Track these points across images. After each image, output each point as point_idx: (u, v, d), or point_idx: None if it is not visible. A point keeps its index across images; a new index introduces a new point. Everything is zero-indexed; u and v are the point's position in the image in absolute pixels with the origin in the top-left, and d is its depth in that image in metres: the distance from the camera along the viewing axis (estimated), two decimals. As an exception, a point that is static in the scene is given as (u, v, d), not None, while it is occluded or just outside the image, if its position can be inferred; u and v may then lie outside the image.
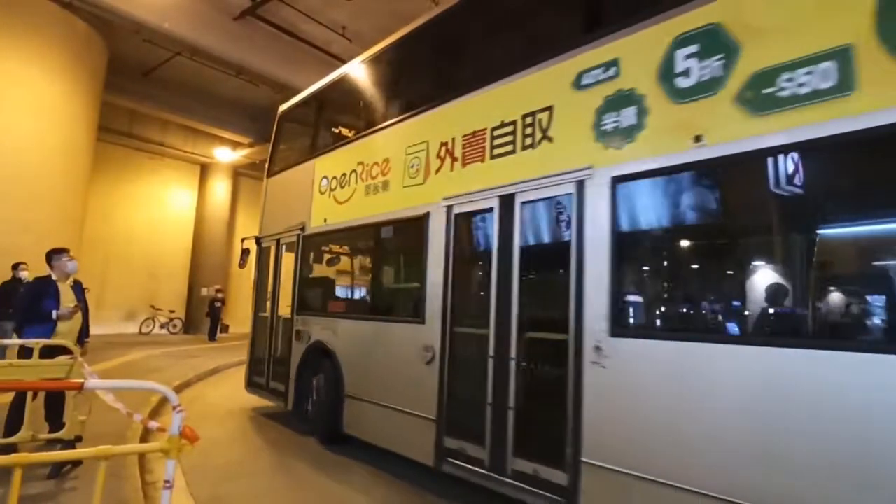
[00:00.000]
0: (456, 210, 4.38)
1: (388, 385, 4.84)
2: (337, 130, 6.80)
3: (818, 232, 2.68)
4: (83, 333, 4.68)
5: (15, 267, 8.00)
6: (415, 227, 4.75)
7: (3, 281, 8.16)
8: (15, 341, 4.39)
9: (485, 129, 4.24)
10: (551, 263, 3.70)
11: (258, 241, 7.57)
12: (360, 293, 6.17)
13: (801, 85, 2.54)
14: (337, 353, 5.57)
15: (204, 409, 7.27)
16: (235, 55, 12.56)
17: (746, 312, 2.92)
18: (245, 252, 7.74)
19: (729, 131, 2.78)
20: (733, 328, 2.96)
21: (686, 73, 3.02)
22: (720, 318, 3.07)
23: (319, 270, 6.56)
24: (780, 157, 2.62)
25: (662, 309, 3.38)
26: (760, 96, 2.68)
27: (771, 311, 2.81)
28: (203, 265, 19.50)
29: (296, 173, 6.93)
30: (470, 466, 3.91)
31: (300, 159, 6.95)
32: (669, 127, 3.07)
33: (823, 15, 2.54)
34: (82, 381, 2.73)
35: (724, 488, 2.53)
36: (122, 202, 18.05)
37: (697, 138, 2.91)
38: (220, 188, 20.13)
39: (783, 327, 2.75)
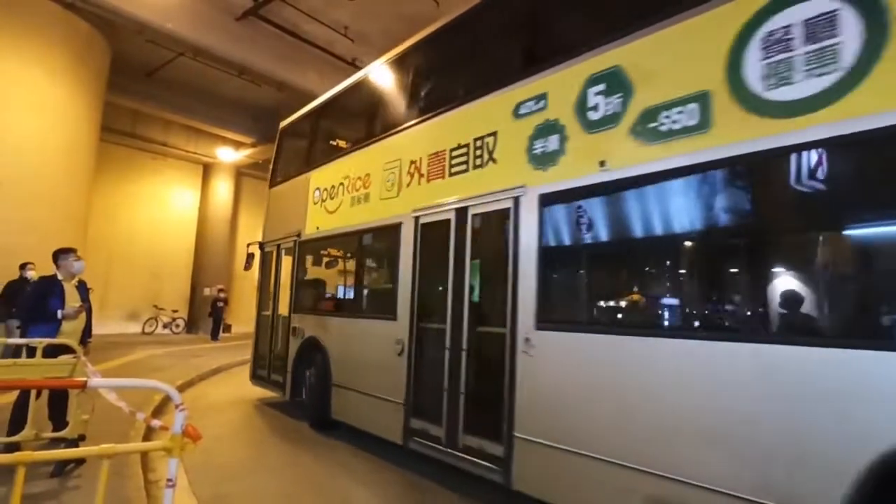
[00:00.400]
0: (422, 220, 5.00)
1: (367, 375, 5.46)
2: (328, 146, 7.42)
3: (695, 241, 3.26)
4: (86, 333, 4.71)
5: (22, 267, 8.04)
6: (390, 235, 5.41)
7: (10, 280, 8.20)
8: (19, 340, 4.40)
9: (445, 150, 4.87)
10: (495, 267, 4.25)
11: (261, 245, 8.24)
12: (345, 293, 6.70)
13: (674, 122, 3.15)
14: (326, 347, 6.21)
15: (207, 407, 7.28)
16: (238, 55, 12.58)
17: (640, 309, 3.54)
18: (250, 256, 8.44)
19: (625, 158, 3.38)
20: (632, 322, 3.54)
21: (595, 107, 3.62)
22: (622, 314, 3.62)
23: (313, 273, 7.20)
24: (662, 181, 3.23)
25: (577, 306, 3.91)
26: (647, 129, 3.28)
27: (656, 308, 3.49)
28: (206, 265, 19.54)
29: (294, 184, 7.58)
30: (430, 444, 4.53)
31: (297, 172, 7.59)
32: (583, 153, 3.66)
33: (690, 65, 3.15)
34: (85, 379, 2.74)
35: (627, 457, 3.06)
36: (126, 202, 18.10)
37: (602, 163, 3.51)
38: (222, 188, 20.16)
39: (664, 321, 3.35)
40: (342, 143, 7.01)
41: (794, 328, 2.73)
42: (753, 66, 2.85)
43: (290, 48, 13.25)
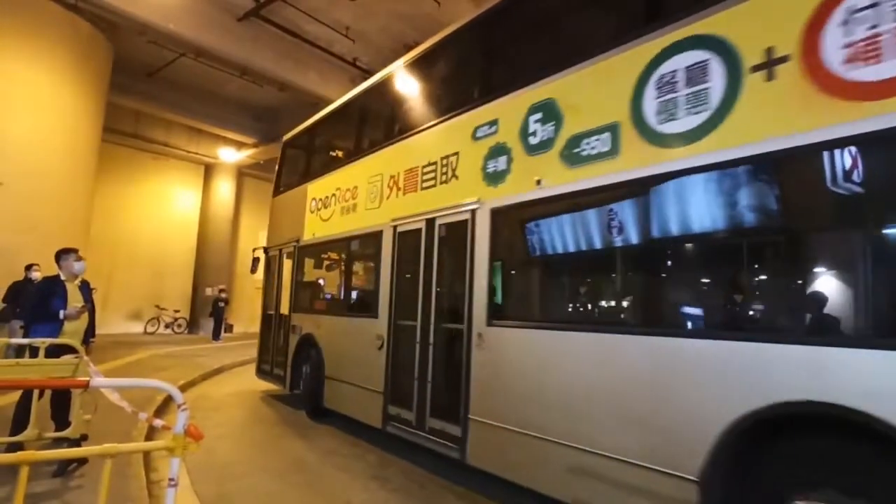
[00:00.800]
0: (399, 229, 5.57)
1: (354, 367, 6.06)
2: (323, 161, 8.03)
3: (605, 250, 3.85)
4: (89, 333, 4.73)
5: (28, 268, 8.05)
6: (372, 242, 6.04)
7: (14, 281, 8.23)
8: (22, 340, 4.42)
9: (418, 167, 5.45)
10: (457, 271, 4.75)
11: (266, 250, 8.84)
12: (337, 294, 7.32)
13: (592, 148, 3.70)
14: (320, 343, 6.83)
15: (209, 407, 7.30)
16: (239, 56, 12.59)
17: (568, 308, 4.35)
18: (256, 260, 8.94)
19: (556, 178, 3.93)
20: (561, 319, 4.14)
21: (534, 133, 4.18)
22: (555, 312, 4.33)
23: (310, 275, 7.82)
24: (583, 198, 3.81)
25: (520, 305, 4.49)
26: (572, 154, 3.84)
27: (577, 306, 4.27)
28: (207, 265, 19.57)
29: (294, 194, 8.18)
30: (403, 427, 5.12)
31: (297, 183, 8.21)
32: (524, 173, 4.21)
33: (604, 100, 3.68)
34: (88, 379, 2.75)
35: (557, 434, 3.61)
36: (128, 202, 18.14)
37: (538, 182, 4.06)
38: (224, 188, 20.19)
39: (586, 318, 4.06)
40: (334, 159, 7.63)
41: (672, 324, 3.33)
42: (650, 103, 3.40)
43: (291, 48, 13.26)
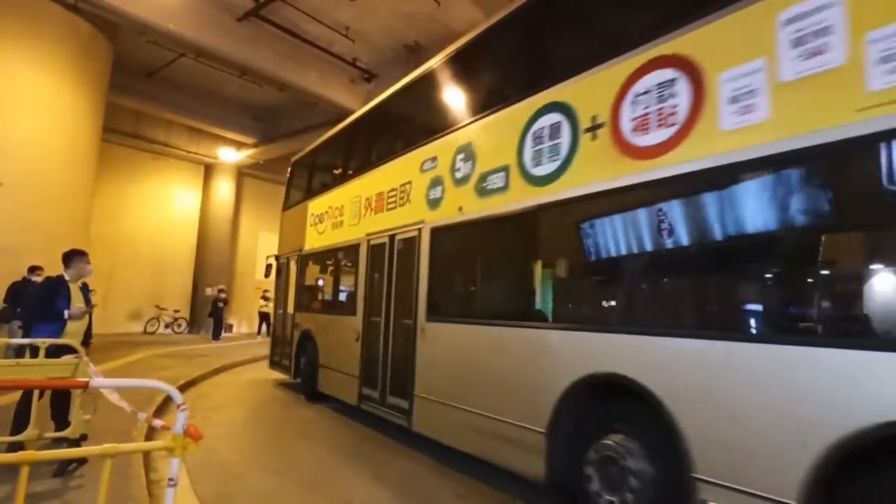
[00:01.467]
0: (371, 242, 6.73)
1: (339, 357, 7.23)
2: (320, 182, 9.09)
3: (503, 262, 5.05)
4: (87, 335, 4.73)
5: (31, 270, 8.05)
6: (353, 253, 7.15)
7: (14, 281, 8.24)
8: (22, 340, 4.43)
9: (384, 192, 6.57)
10: (408, 277, 5.77)
11: (277, 258, 10.05)
12: (328, 296, 8.53)
13: (494, 183, 4.75)
14: (316, 337, 8.06)
15: (209, 407, 7.31)
16: (239, 56, 12.60)
17: (473, 307, 5.34)
18: (269, 266, 10.24)
19: (472, 206, 4.99)
20: (470, 315, 5.14)
21: (459, 169, 5.21)
22: (467, 309, 5.34)
23: (309, 280, 8.93)
24: (488, 224, 4.82)
25: (447, 305, 5.43)
26: (481, 187, 4.88)
27: (479, 306, 5.32)
28: (207, 265, 19.58)
29: (298, 209, 9.33)
30: (371, 404, 6.30)
31: (301, 200, 9.42)
32: (452, 201, 5.27)
33: (501, 145, 4.72)
34: (87, 379, 2.76)
35: (471, 404, 4.64)
36: (128, 202, 18.15)
37: (460, 209, 5.12)
38: (224, 188, 20.20)
39: (480, 314, 5.04)
40: (329, 181, 8.70)
41: (533, 318, 4.36)
42: (528, 151, 4.41)
43: (291, 48, 13.27)
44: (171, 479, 2.33)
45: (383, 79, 14.61)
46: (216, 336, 16.19)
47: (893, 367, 2.23)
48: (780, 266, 2.93)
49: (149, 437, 5.07)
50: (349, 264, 7.47)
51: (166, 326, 18.24)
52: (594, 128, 3.84)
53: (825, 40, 2.70)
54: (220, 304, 16.57)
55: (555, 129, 4.19)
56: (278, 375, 9.72)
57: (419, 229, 5.67)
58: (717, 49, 3.21)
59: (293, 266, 9.18)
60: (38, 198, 10.49)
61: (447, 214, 5.32)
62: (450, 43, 6.70)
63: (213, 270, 19.45)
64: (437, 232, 5.46)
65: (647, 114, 3.49)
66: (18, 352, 4.78)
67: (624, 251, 3.76)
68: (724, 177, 3.06)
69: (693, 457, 2.88)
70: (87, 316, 4.65)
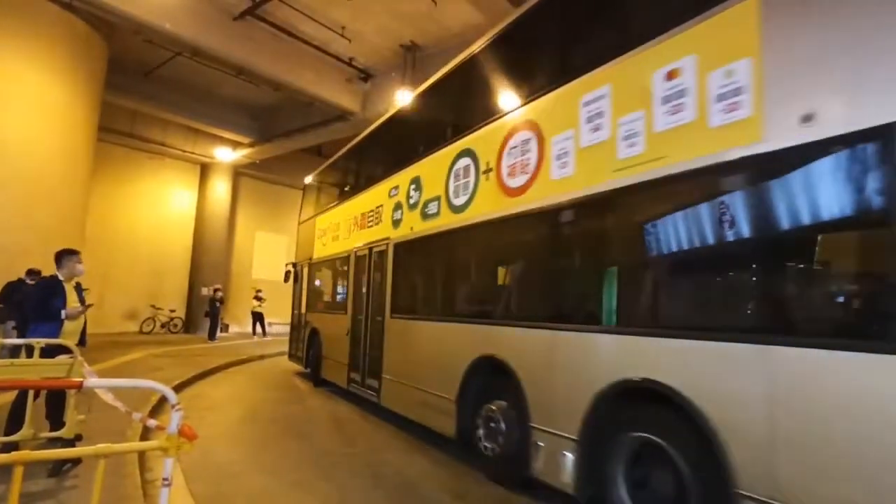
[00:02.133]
0: (357, 254, 8.16)
1: (335, 348, 8.66)
2: (325, 201, 10.61)
3: (442, 271, 6.21)
4: (83, 334, 4.73)
5: (29, 273, 8.00)
6: (345, 262, 8.69)
7: (8, 282, 8.21)
8: (17, 340, 4.43)
9: (366, 212, 8.01)
10: (382, 282, 7.15)
11: (294, 265, 11.56)
12: (329, 298, 9.84)
13: (431, 209, 6.09)
14: (321, 333, 9.55)
15: (204, 407, 7.31)
16: (235, 55, 12.57)
17: (420, 306, 6.54)
18: (287, 272, 11.72)
19: (419, 227, 6.36)
20: (419, 312, 6.40)
21: (411, 197, 6.59)
22: (415, 308, 6.56)
23: (316, 284, 10.50)
24: (430, 240, 6.10)
25: (404, 304, 6.72)
26: (424, 212, 6.22)
27: (424, 305, 6.50)
28: (203, 264, 19.53)
29: (310, 223, 10.97)
30: (355, 385, 7.72)
31: (312, 215, 10.99)
32: (407, 222, 6.65)
33: (436, 180, 5.99)
34: (82, 379, 2.77)
35: (420, 383, 5.92)
36: (124, 202, 18.10)
37: (412, 228, 6.51)
38: (220, 188, 20.15)
39: (425, 312, 6.25)
40: (331, 202, 10.09)
41: (448, 314, 5.73)
42: (452, 185, 5.73)
43: (287, 48, 13.25)
44: (165, 479, 2.34)
45: (380, 78, 14.61)
46: (212, 336, 16.17)
47: (622, 345, 3.49)
48: (590, 275, 4.09)
49: (144, 438, 5.06)
50: (343, 271, 8.87)
51: (162, 326, 18.20)
52: (487, 171, 5.13)
53: (600, 121, 3.86)
54: (217, 304, 16.55)
55: (466, 170, 5.48)
56: (272, 375, 10.49)
57: (386, 244, 7.10)
58: (551, 117, 4.40)
59: (305, 272, 10.73)
60: (33, 197, 10.46)
61: (403, 233, 6.72)
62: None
63: (209, 270, 19.40)
64: (397, 246, 6.89)
65: (515, 163, 4.76)
66: (13, 352, 4.78)
67: (502, 264, 5.31)
68: (553, 214, 4.26)
69: (531, 414, 4.19)
70: (83, 315, 4.64)
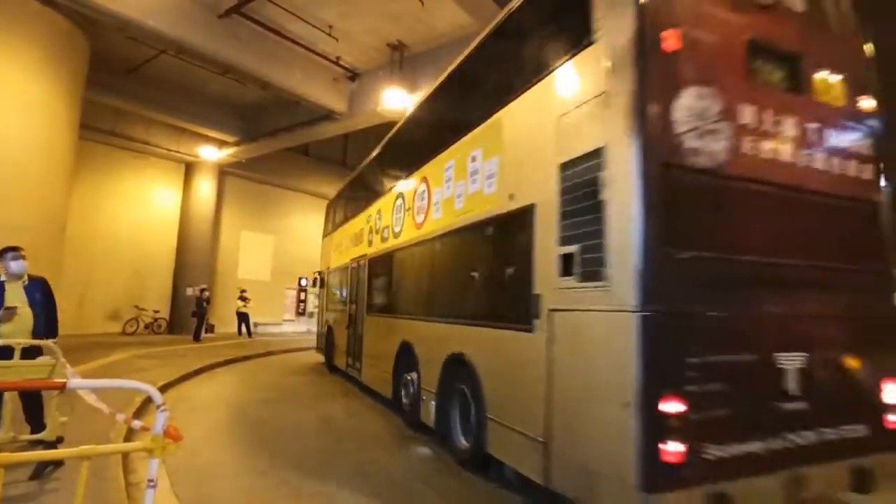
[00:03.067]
0: (351, 266, 10.40)
1: (340, 340, 10.75)
2: (336, 222, 12.82)
3: (397, 280, 7.87)
4: (44, 333, 4.43)
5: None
6: (346, 271, 10.83)
7: None
8: None
9: (356, 232, 10.26)
10: (362, 287, 9.36)
11: (319, 273, 13.81)
12: (336, 299, 11.72)
13: (385, 234, 8.19)
14: (333, 329, 11.72)
15: (190, 408, 7.24)
16: (221, 53, 12.43)
17: (375, 305, 8.61)
18: (315, 279, 14.16)
19: (381, 247, 8.36)
20: (374, 309, 8.62)
21: (377, 223, 8.81)
22: (374, 306, 8.72)
23: (331, 289, 12.56)
24: (385, 257, 8.12)
25: (371, 304, 8.84)
26: (382, 237, 8.34)
27: (380, 305, 8.44)
28: (188, 264, 19.29)
29: (329, 238, 13.44)
30: (349, 368, 9.81)
31: (330, 231, 13.48)
32: (375, 243, 8.76)
33: (387, 212, 8.23)
34: (64, 381, 2.73)
35: (379, 364, 7.98)
36: (107, 201, 17.80)
37: (376, 247, 8.66)
38: (205, 187, 19.91)
39: (380, 310, 8.40)
40: (339, 222, 12.33)
41: (389, 311, 7.88)
42: (394, 217, 7.76)
43: (273, 46, 13.14)
44: (150, 481, 2.32)
45: (366, 78, 14.57)
46: (197, 336, 15.99)
47: (451, 331, 5.48)
48: (439, 285, 6.20)
49: (128, 439, 5.01)
50: (345, 278, 10.86)
51: (146, 327, 17.94)
52: (409, 209, 7.12)
53: (450, 183, 5.84)
54: (204, 304, 16.37)
55: (399, 208, 7.55)
56: (258, 377, 10.73)
57: (365, 259, 9.26)
58: (433, 177, 6.34)
59: (327, 279, 12.94)
60: (11, 196, 10.23)
61: (373, 250, 8.83)
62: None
63: (193, 270, 19.17)
64: (370, 261, 8.97)
65: (419, 205, 6.74)
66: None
67: (414, 276, 7.02)
68: (431, 242, 6.31)
69: (422, 378, 6.20)
70: (28, 316, 4.37)
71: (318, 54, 13.66)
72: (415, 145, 7.48)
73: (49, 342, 4.22)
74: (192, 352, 12.98)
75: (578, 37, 3.77)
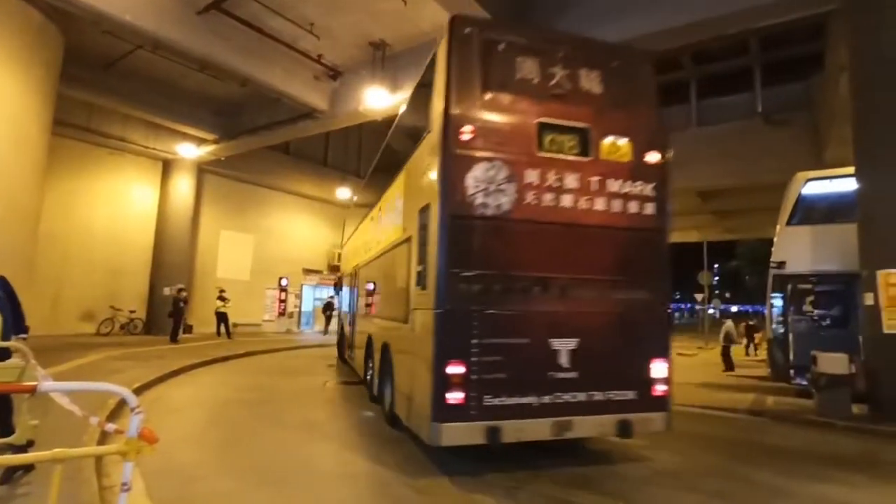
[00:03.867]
0: (351, 273, 12.28)
1: (346, 335, 12.49)
2: (350, 232, 14.21)
3: (359, 288, 10.97)
4: (11, 331, 4.32)
5: None
6: (349, 277, 12.72)
7: None
8: None
9: (351, 249, 13.06)
10: (355, 292, 11.43)
11: (339, 278, 15.52)
12: (346, 301, 13.27)
13: (361, 251, 10.85)
14: (345, 327, 12.94)
15: (167, 410, 7.12)
16: (199, 49, 12.24)
17: (356, 306, 11.26)
18: (335, 284, 16.41)
19: (352, 262, 12.60)
20: (358, 309, 10.71)
21: (356, 246, 12.13)
22: (358, 307, 10.64)
23: (346, 288, 13.93)
24: (362, 268, 10.57)
25: (358, 305, 10.64)
26: (363, 253, 10.62)
27: (358, 306, 11.06)
28: (165, 264, 18.96)
29: (346, 245, 14.88)
30: (349, 358, 11.70)
31: (347, 240, 14.71)
32: (360, 256, 11.09)
33: (358, 245, 11.61)
34: (35, 383, 2.67)
35: (359, 349, 9.77)
36: (81, 198, 17.39)
37: (361, 258, 10.70)
38: (183, 185, 19.57)
39: (359, 311, 10.59)
40: (349, 238, 14.01)
41: (365, 311, 9.57)
42: (363, 241, 10.75)
43: (254, 43, 12.97)
44: (124, 484, 2.29)
45: (349, 76, 14.50)
46: (174, 337, 15.73)
47: (374, 321, 8.30)
48: (369, 293, 9.05)
49: (102, 442, 4.91)
50: (352, 282, 12.13)
51: (121, 328, 17.59)
52: (375, 227, 8.90)
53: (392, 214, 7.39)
54: (180, 305, 16.11)
55: (372, 225, 9.37)
56: (237, 377, 10.64)
57: (357, 269, 11.02)
58: (385, 205, 7.77)
59: (342, 283, 14.69)
60: (-18, 193, 9.97)
61: (361, 261, 10.49)
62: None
63: (171, 269, 18.85)
64: (358, 269, 10.89)
65: (378, 226, 8.54)
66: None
67: (377, 282, 8.40)
68: (380, 256, 8.04)
69: (374, 362, 7.61)
70: None
71: (299, 52, 13.53)
72: (380, 176, 8.96)
73: (18, 343, 4.11)
74: (170, 353, 12.77)
75: (425, 128, 5.50)
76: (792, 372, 9.73)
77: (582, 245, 5.12)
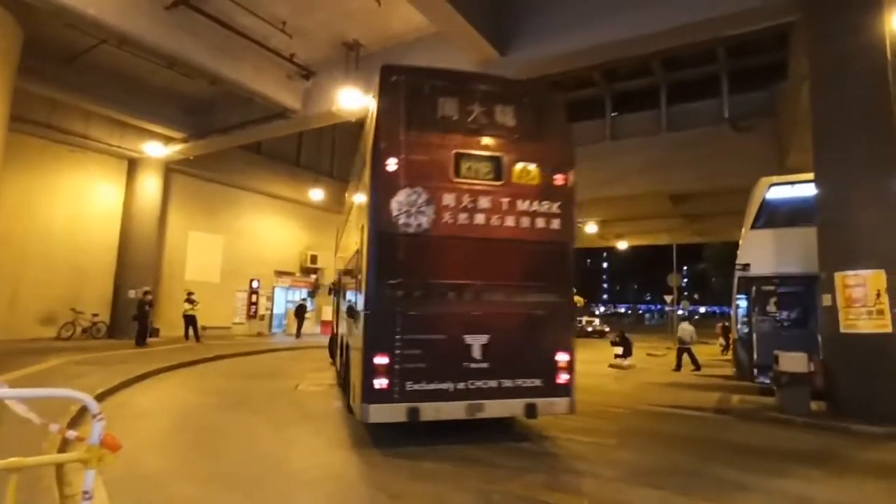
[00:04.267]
0: (337, 277, 12.94)
1: (340, 332, 11.75)
2: (338, 237, 14.87)
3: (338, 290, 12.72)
4: None
5: None
6: (337, 281, 12.75)
7: None
8: None
9: (340, 257, 12.62)
10: (341, 292, 11.63)
11: (333, 283, 14.94)
12: (336, 305, 13.28)
13: (342, 261, 11.69)
14: (334, 329, 13.04)
15: (131, 416, 6.92)
16: (167, 45, 11.94)
17: (349, 307, 8.51)
18: (330, 289, 15.14)
19: (340, 266, 12.21)
20: (344, 312, 9.35)
21: (342, 254, 12.49)
22: (345, 308, 9.42)
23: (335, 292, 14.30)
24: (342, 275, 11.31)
25: (340, 310, 11.15)
26: (342, 260, 11.77)
27: (340, 307, 11.44)
28: (131, 265, 18.39)
29: (337, 252, 14.92)
30: (341, 350, 9.79)
31: (336, 251, 15.45)
32: (342, 262, 11.28)
33: (343, 248, 11.66)
34: (-10, 390, 2.57)
35: (346, 338, 8.80)
36: (41, 197, 16.72)
37: (338, 266, 13.19)
38: (149, 184, 19.02)
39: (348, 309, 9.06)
40: (339, 245, 14.28)
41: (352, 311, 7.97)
42: (342, 253, 12.20)
43: (224, 40, 12.71)
44: (85, 493, 2.22)
45: (321, 76, 14.36)
46: (140, 341, 15.29)
47: (349, 323, 8.02)
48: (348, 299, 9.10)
49: (62, 450, 4.74)
50: (338, 287, 12.54)
51: (84, 331, 16.99)
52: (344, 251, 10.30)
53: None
54: (146, 308, 15.67)
55: (345, 249, 10.14)
56: (205, 381, 10.35)
57: (340, 274, 11.67)
58: (351, 220, 9.12)
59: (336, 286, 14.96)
60: (-67, 191, 9.52)
61: (340, 268, 11.46)
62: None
63: (137, 271, 18.31)
64: (339, 273, 11.77)
65: (347, 239, 10.03)
66: None
67: (345, 289, 9.65)
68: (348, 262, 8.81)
69: (344, 355, 8.16)
70: None
71: (270, 50, 13.34)
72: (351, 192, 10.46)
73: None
74: (135, 357, 12.41)
75: (366, 160, 6.22)
76: (756, 371, 10.02)
77: (494, 256, 5.96)
